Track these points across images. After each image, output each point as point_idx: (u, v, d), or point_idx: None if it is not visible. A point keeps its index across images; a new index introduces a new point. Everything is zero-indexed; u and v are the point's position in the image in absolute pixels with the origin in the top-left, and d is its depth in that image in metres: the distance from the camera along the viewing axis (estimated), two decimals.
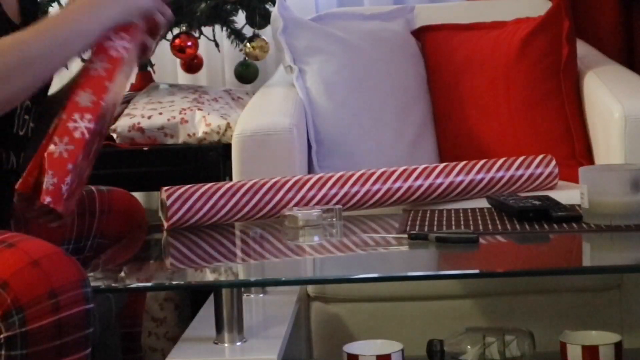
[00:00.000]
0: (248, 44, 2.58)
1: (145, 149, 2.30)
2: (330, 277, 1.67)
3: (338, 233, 1.73)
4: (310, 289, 2.04)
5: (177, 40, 2.46)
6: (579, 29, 2.53)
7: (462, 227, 1.67)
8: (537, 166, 2.00)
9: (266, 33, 2.57)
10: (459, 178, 1.94)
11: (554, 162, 2.02)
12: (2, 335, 1.25)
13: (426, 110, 2.47)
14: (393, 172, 1.90)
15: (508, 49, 2.38)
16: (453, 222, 1.71)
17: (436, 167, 1.94)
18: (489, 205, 1.84)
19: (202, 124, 2.30)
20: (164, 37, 1.60)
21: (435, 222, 1.72)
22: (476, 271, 1.49)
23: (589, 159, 2.28)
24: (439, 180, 1.92)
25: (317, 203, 1.83)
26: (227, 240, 1.76)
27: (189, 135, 2.30)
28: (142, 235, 1.83)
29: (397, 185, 1.89)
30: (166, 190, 1.81)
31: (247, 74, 2.66)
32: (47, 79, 1.52)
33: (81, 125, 1.43)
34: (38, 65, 1.43)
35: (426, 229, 1.66)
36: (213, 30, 2.62)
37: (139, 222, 1.84)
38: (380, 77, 2.40)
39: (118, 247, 1.74)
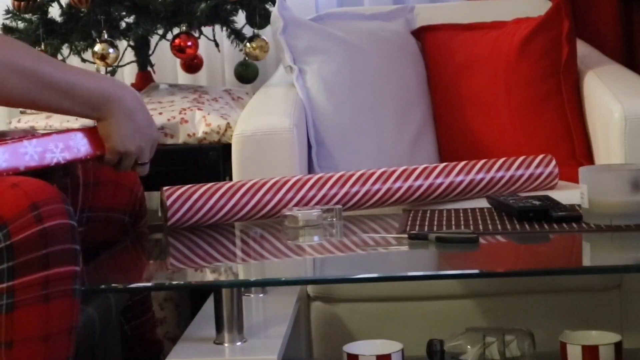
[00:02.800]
0: (248, 44, 2.58)
1: None
2: (330, 277, 1.67)
3: (338, 233, 1.73)
4: (310, 289, 2.04)
5: (177, 40, 2.46)
6: (579, 29, 2.53)
7: (462, 227, 1.67)
8: (537, 166, 2.00)
9: (266, 33, 2.57)
10: (459, 178, 1.94)
11: (554, 162, 2.02)
12: None
13: (426, 110, 2.47)
14: (393, 172, 1.90)
15: (508, 49, 2.38)
16: (453, 222, 1.71)
17: (436, 167, 1.94)
18: (489, 205, 1.84)
19: (202, 124, 2.30)
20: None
21: (435, 222, 1.72)
22: (476, 271, 1.49)
23: (589, 159, 2.28)
24: (439, 180, 1.92)
25: (317, 203, 1.83)
26: (227, 240, 1.76)
27: (189, 135, 2.30)
28: (143, 222, 1.83)
29: (397, 185, 1.89)
30: (166, 190, 1.81)
31: (247, 74, 2.66)
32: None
33: None
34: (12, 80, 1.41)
35: (426, 229, 1.66)
36: (213, 30, 2.62)
37: (132, 191, 1.81)
38: (380, 77, 2.40)
39: (118, 247, 1.74)
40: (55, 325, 1.30)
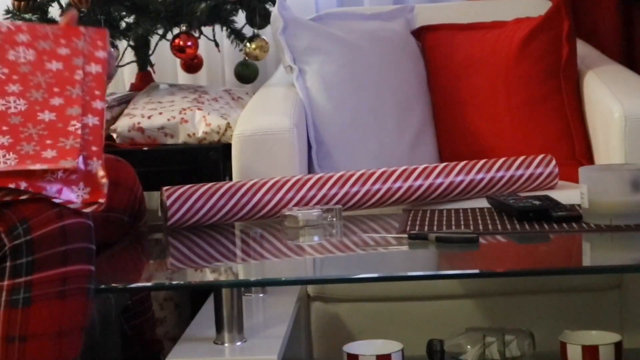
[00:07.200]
0: (248, 44, 2.58)
1: (145, 149, 2.30)
2: (330, 277, 1.67)
3: (338, 233, 1.73)
4: (310, 289, 2.04)
5: (177, 40, 2.46)
6: (579, 29, 2.53)
7: (462, 227, 1.67)
8: (537, 166, 2.00)
9: (266, 33, 2.57)
10: (459, 178, 1.94)
11: (554, 162, 2.02)
12: (7, 247, 1.27)
13: (426, 110, 2.47)
14: (393, 172, 1.90)
15: (508, 49, 2.38)
16: (453, 222, 1.71)
17: (436, 167, 1.94)
18: (489, 205, 1.84)
19: (202, 124, 2.30)
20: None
21: (435, 222, 1.72)
22: (476, 271, 1.49)
23: (589, 159, 2.28)
24: (439, 180, 1.92)
25: (317, 203, 1.83)
26: (227, 240, 1.76)
27: (189, 135, 2.30)
28: (142, 212, 1.83)
29: (397, 185, 1.89)
30: (166, 190, 1.81)
31: (247, 74, 2.66)
32: None
33: None
34: None
35: (426, 229, 1.66)
36: (213, 30, 2.62)
37: (131, 191, 1.81)
38: (380, 77, 2.40)
39: (118, 247, 1.74)
40: (69, 323, 1.31)
